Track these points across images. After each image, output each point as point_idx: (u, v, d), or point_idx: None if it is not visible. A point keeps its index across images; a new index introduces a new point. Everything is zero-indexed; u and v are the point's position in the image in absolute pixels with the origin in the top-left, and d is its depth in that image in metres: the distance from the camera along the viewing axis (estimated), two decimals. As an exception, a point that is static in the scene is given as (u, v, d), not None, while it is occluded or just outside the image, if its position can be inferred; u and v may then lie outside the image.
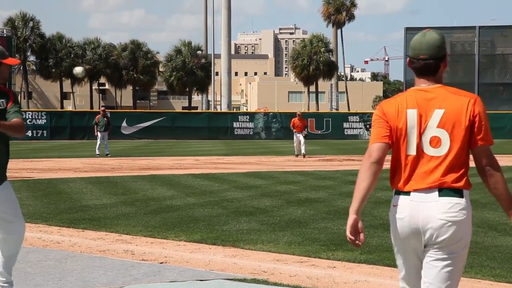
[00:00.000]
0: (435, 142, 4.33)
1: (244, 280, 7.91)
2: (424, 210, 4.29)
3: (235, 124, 57.52)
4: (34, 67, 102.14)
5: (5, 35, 62.64)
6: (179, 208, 14.18)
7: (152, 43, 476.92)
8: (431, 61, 4.42)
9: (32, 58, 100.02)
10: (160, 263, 8.93)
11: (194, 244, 10.26)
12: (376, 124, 4.46)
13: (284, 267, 8.64)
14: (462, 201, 4.30)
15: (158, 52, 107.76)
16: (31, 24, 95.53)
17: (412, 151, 4.35)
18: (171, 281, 7.89)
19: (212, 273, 8.29)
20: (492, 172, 4.35)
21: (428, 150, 4.34)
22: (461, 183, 4.32)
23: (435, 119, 4.33)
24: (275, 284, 7.75)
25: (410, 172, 4.35)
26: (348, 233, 4.37)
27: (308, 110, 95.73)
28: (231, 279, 7.96)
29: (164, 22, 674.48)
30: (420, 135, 4.34)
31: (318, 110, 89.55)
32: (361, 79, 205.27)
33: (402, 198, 4.36)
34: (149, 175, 22.25)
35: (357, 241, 4.35)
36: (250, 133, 57.40)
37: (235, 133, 57.34)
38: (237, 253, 9.60)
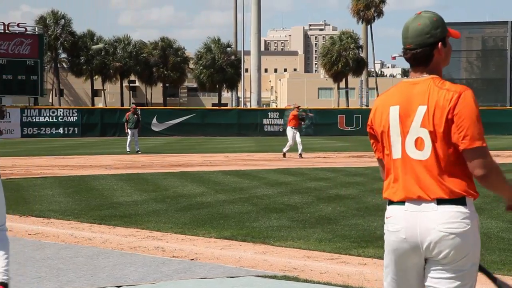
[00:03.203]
0: (419, 144, 3.75)
1: (274, 277, 7.91)
2: (422, 222, 3.73)
3: (264, 121, 57.55)
4: (65, 65, 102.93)
5: (37, 33, 63.15)
6: (210, 205, 14.20)
7: (182, 40, 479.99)
8: (419, 50, 3.81)
9: (63, 55, 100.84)
10: (191, 259, 8.95)
11: (225, 240, 10.27)
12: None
13: (315, 264, 8.62)
14: (464, 210, 3.71)
15: (185, 49, 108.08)
16: (62, 22, 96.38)
17: (397, 155, 3.80)
18: (201, 278, 7.91)
19: (243, 270, 8.29)
20: (483, 179, 3.71)
21: (414, 154, 3.77)
22: (464, 189, 3.71)
23: (419, 117, 3.74)
24: (305, 281, 7.74)
25: (399, 178, 3.80)
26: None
27: (338, 106, 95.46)
28: (262, 276, 7.96)
29: (193, 19, 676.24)
30: (405, 136, 3.77)
31: (348, 106, 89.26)
32: (391, 75, 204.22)
33: (395, 208, 3.82)
34: (179, 172, 22.32)
35: None
36: (280, 130, 57.33)
37: (265, 129, 57.35)
38: (268, 249, 9.59)
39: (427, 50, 3.79)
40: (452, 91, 3.72)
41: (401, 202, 3.79)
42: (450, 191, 3.71)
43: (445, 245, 3.69)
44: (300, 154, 29.88)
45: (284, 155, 30.04)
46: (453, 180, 3.72)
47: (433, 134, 3.72)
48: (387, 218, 3.85)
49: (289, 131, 30.47)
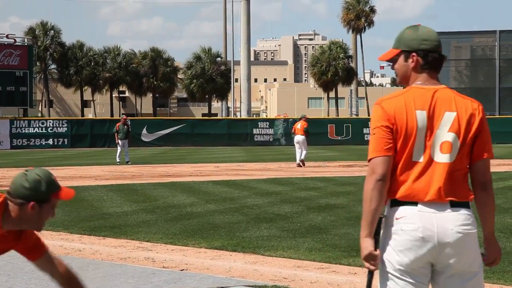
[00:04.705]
0: (445, 148, 3.87)
1: (264, 287, 7.91)
2: (439, 222, 3.81)
3: (255, 131, 57.55)
4: (54, 76, 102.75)
5: (26, 44, 63.05)
6: (200, 215, 14.19)
7: (171, 50, 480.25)
8: (442, 56, 3.99)
9: (53, 66, 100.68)
10: (181, 270, 8.94)
11: (215, 251, 10.26)
12: (377, 132, 3.89)
13: (305, 274, 8.62)
14: (470, 213, 3.88)
15: (175, 60, 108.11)
16: (51, 33, 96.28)
17: (419, 157, 3.87)
18: (191, 288, 7.90)
19: (233, 280, 8.29)
20: (489, 189, 3.94)
21: (437, 157, 3.86)
22: (470, 195, 3.90)
23: (446, 122, 3.88)
24: (295, 290, 7.74)
25: (415, 180, 3.86)
26: (368, 265, 3.91)
27: (328, 115, 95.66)
28: (252, 286, 7.96)
29: (182, 29, 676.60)
30: (430, 139, 3.86)
31: (338, 115, 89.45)
32: (380, 85, 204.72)
33: (408, 209, 3.85)
34: (169, 182, 22.29)
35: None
36: (270, 140, 57.40)
37: (255, 139, 57.34)
38: (258, 259, 9.59)
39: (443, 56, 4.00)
40: (476, 103, 3.96)
41: (413, 203, 3.85)
42: (463, 194, 3.88)
43: (462, 246, 3.81)
44: (303, 163, 30.23)
45: (303, 164, 30.15)
46: (465, 183, 3.91)
47: (461, 139, 3.88)
48: (397, 218, 3.86)
49: (304, 139, 30.65)
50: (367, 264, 3.91)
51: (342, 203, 16.05)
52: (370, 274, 3.96)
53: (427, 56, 3.95)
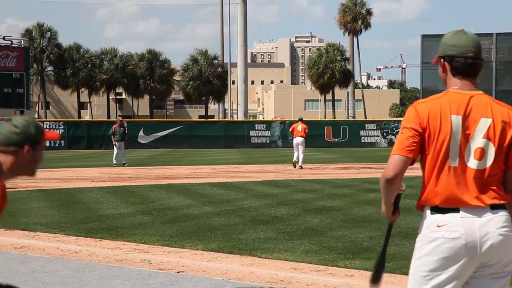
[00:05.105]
0: (479, 154, 3.89)
1: (261, 289, 7.91)
2: (481, 226, 3.86)
3: (251, 133, 57.58)
4: (51, 78, 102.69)
5: (22, 46, 63.05)
6: (196, 217, 14.19)
7: (168, 52, 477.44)
8: (477, 61, 3.99)
9: (49, 68, 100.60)
10: (177, 272, 8.94)
11: (211, 253, 10.26)
12: (405, 132, 3.93)
13: (301, 276, 8.63)
14: (508, 214, 3.94)
15: (171, 62, 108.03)
16: (48, 35, 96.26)
17: (455, 163, 3.88)
18: (188, 290, 7.89)
19: (229, 282, 8.29)
20: None
21: (472, 163, 3.89)
22: (507, 197, 3.94)
23: (482, 128, 3.90)
24: (292, 293, 7.74)
25: (453, 186, 3.88)
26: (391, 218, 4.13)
27: (325, 118, 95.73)
28: (248, 288, 7.96)
29: (179, 31, 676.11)
30: (464, 145, 3.88)
31: (334, 118, 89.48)
32: (377, 87, 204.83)
33: (450, 216, 3.88)
34: (166, 184, 22.28)
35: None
36: (267, 142, 57.44)
37: (252, 141, 57.37)
38: (254, 262, 9.59)
39: (481, 62, 4.02)
40: None
41: (455, 209, 3.88)
42: (500, 197, 3.92)
43: (504, 247, 3.87)
44: (301, 166, 30.47)
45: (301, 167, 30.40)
46: (500, 186, 3.94)
47: (496, 146, 3.90)
48: (439, 226, 3.89)
49: (303, 140, 30.85)
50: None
51: (338, 205, 16.05)
52: (389, 226, 4.26)
53: (452, 62, 3.99)
